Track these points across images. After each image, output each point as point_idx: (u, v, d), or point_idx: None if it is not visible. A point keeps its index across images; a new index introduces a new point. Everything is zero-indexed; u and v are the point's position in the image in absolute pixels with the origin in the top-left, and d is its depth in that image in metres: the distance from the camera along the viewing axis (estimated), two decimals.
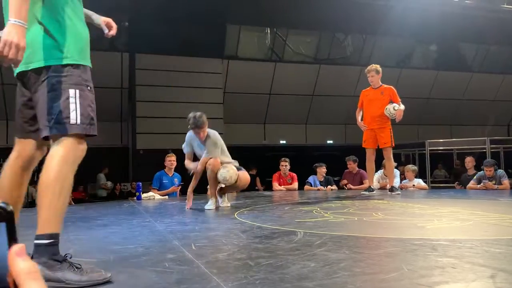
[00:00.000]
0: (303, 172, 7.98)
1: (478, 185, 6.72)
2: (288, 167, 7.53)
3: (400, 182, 7.13)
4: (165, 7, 11.24)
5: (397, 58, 15.09)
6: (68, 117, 1.75)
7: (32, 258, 1.62)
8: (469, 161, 7.38)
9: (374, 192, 5.93)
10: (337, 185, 7.65)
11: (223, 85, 13.03)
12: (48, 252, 1.66)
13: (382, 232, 2.83)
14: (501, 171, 6.82)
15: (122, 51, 11.98)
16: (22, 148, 1.92)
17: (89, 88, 1.85)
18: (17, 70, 1.84)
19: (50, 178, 1.70)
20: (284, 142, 14.80)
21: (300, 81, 13.92)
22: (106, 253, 2.25)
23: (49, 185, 1.70)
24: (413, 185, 7.14)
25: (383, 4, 12.28)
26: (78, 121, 1.76)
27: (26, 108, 1.89)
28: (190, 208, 4.43)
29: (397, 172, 6.84)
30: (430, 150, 11.30)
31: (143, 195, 6.22)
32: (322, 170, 7.50)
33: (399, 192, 5.92)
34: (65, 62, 1.79)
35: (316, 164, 7.63)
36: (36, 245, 1.67)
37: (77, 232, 3.10)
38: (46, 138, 1.84)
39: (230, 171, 4.34)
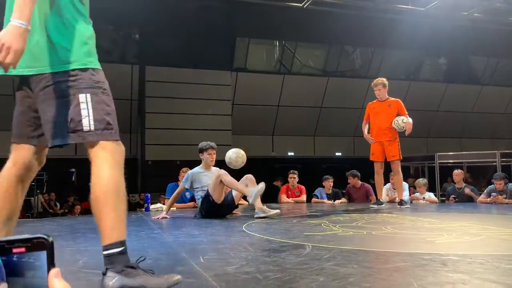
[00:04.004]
0: (311, 185, 7.94)
1: (488, 199, 6.66)
2: (297, 179, 7.50)
3: (410, 195, 7.06)
4: (175, 20, 11.39)
5: (406, 71, 15.08)
6: (81, 125, 1.62)
7: (106, 270, 1.58)
8: (457, 174, 7.41)
9: (383, 205, 5.89)
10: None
11: (232, 97, 13.09)
12: (122, 260, 1.61)
13: (391, 246, 2.81)
14: None
15: (132, 64, 12.14)
16: (19, 155, 1.75)
17: (102, 90, 1.69)
18: (15, 72, 1.61)
19: (110, 185, 1.62)
20: (292, 154, 14.78)
21: (308, 94, 13.95)
22: None
23: (108, 191, 1.62)
24: (423, 198, 7.08)
25: (391, 17, 12.33)
26: (92, 128, 1.63)
27: (31, 110, 1.73)
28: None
29: (405, 185, 6.78)
30: (439, 163, 11.21)
31: (152, 207, 6.24)
32: (328, 183, 7.42)
33: (408, 206, 5.87)
34: (72, 67, 1.65)
35: (324, 176, 7.58)
36: (108, 256, 1.61)
37: (87, 243, 3.11)
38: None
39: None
